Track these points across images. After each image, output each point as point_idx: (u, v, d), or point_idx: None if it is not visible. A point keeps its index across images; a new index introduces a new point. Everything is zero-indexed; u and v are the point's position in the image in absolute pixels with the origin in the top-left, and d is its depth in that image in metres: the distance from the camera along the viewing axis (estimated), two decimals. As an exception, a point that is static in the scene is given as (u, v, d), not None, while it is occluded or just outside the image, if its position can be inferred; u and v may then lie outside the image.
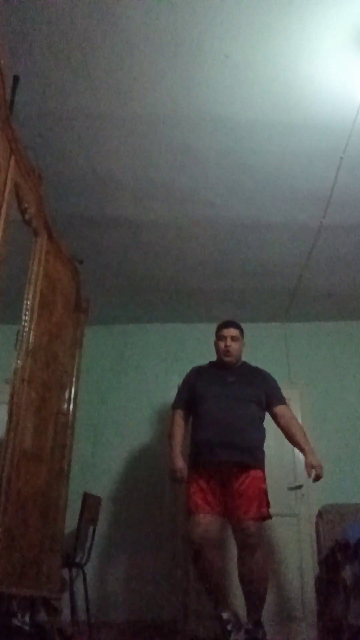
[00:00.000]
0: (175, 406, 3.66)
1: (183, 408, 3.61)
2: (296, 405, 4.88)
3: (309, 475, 3.36)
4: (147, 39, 2.56)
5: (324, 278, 4.49)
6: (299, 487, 4.55)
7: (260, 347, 5.10)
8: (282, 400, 3.61)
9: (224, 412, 3.36)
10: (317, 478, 3.36)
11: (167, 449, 3.59)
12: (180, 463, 3.38)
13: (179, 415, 3.60)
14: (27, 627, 3.38)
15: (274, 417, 3.58)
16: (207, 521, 3.21)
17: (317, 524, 4.43)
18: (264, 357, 5.08)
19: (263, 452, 3.42)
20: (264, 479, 3.36)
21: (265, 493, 3.32)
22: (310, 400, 4.89)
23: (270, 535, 4.42)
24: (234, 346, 3.57)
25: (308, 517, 4.50)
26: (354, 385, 4.93)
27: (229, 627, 3.07)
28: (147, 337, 5.18)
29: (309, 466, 3.34)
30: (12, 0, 2.38)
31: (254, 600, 3.22)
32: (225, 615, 3.11)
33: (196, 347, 4.69)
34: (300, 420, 4.80)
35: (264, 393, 3.55)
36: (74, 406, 3.44)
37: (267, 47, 2.59)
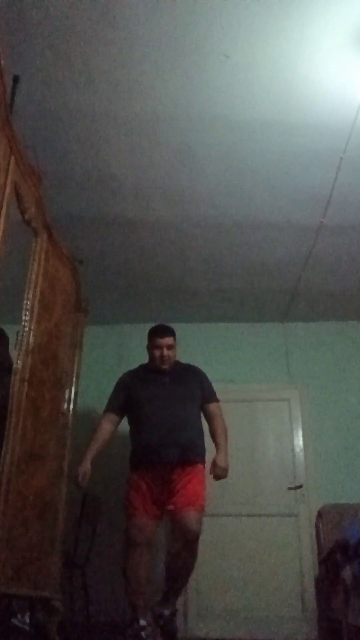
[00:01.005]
0: (106, 410, 3.68)
1: (114, 412, 3.64)
2: (296, 405, 4.90)
3: (211, 472, 3.43)
4: (147, 39, 2.56)
5: (324, 278, 4.49)
6: (299, 487, 4.56)
7: (260, 347, 5.11)
8: (214, 398, 3.67)
9: (163, 414, 3.42)
10: (217, 478, 3.44)
11: None
12: (85, 467, 3.41)
13: (107, 419, 3.63)
14: (26, 627, 3.39)
15: (205, 414, 3.64)
16: (143, 524, 3.30)
17: (317, 524, 4.43)
18: (264, 357, 5.10)
19: (204, 448, 3.49)
20: (203, 473, 3.43)
21: (204, 487, 3.40)
22: (310, 400, 4.89)
23: (270, 535, 4.43)
24: (170, 354, 3.61)
25: (308, 517, 4.50)
26: (354, 385, 4.93)
27: (143, 634, 3.10)
28: (146, 337, 5.17)
29: (215, 463, 3.42)
30: (12, 0, 2.38)
31: (177, 590, 3.38)
32: (142, 622, 3.13)
33: (196, 346, 4.69)
34: (300, 420, 4.85)
35: (199, 390, 3.62)
36: (74, 406, 3.44)
37: (267, 48, 2.59)
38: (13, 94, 2.49)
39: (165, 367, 3.62)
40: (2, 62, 2.18)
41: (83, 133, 3.09)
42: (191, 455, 3.38)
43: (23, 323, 2.75)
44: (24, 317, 2.76)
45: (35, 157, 2.70)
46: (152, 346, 3.66)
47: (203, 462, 3.46)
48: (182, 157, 3.27)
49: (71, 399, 3.42)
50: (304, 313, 5.05)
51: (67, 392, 3.37)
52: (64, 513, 3.19)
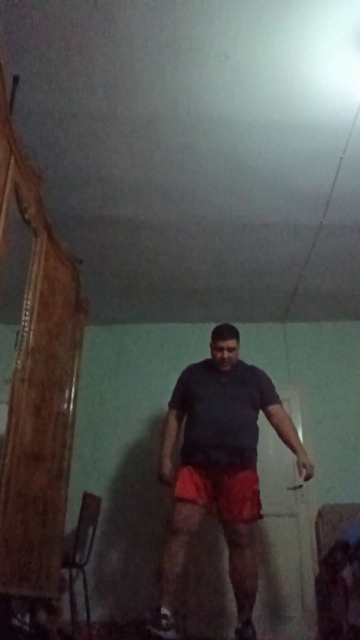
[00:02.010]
0: (170, 406, 3.71)
1: (177, 408, 3.65)
2: (296, 405, 4.89)
3: (300, 474, 3.41)
4: (147, 39, 2.56)
5: (324, 278, 4.49)
6: (299, 487, 4.55)
7: (260, 347, 5.10)
8: (276, 399, 3.62)
9: (218, 413, 3.38)
10: (308, 477, 3.43)
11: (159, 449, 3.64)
12: (166, 468, 3.46)
13: (172, 415, 3.64)
14: (27, 627, 3.39)
15: (268, 415, 3.60)
16: (189, 512, 3.25)
17: (317, 524, 4.43)
18: (264, 357, 5.08)
19: (255, 453, 3.46)
20: (256, 480, 3.41)
21: (257, 493, 3.37)
22: (309, 400, 4.89)
23: (270, 535, 4.43)
24: (231, 356, 3.56)
25: (308, 517, 4.50)
26: (354, 385, 4.92)
27: (163, 622, 3.05)
28: (146, 337, 5.18)
29: (301, 465, 3.40)
30: (12, 0, 2.38)
31: (244, 599, 3.29)
32: (164, 611, 3.08)
33: (196, 347, 4.67)
34: (300, 420, 4.84)
35: (258, 392, 3.56)
36: (73, 406, 3.44)
37: (267, 48, 2.59)
38: (13, 94, 2.49)
39: (226, 368, 3.57)
40: (2, 62, 2.18)
41: (83, 133, 3.09)
42: (240, 459, 3.33)
43: (23, 323, 2.76)
44: (23, 317, 2.76)
45: (35, 157, 2.70)
46: (213, 347, 3.60)
47: (254, 467, 3.42)
48: (182, 157, 3.27)
49: (71, 399, 3.42)
50: (304, 313, 5.05)
51: (66, 392, 3.38)
52: (64, 513, 3.20)
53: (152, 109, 2.93)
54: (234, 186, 3.49)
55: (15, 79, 2.53)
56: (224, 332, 3.59)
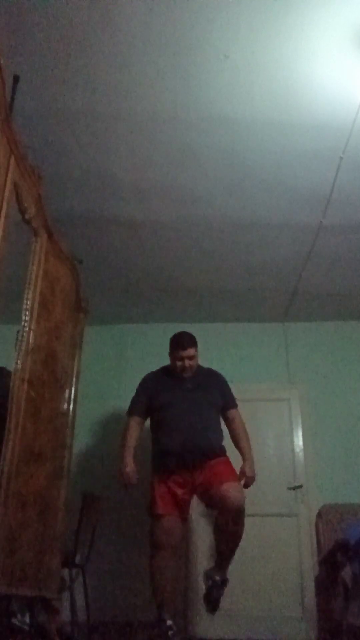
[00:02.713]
0: (130, 413, 3.71)
1: (139, 415, 3.68)
2: (295, 405, 4.90)
3: (240, 480, 3.45)
4: (146, 38, 2.56)
5: (324, 278, 4.50)
6: (299, 487, 4.56)
7: (260, 346, 5.11)
8: (234, 405, 3.73)
9: (184, 420, 3.45)
10: (246, 486, 3.48)
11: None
12: (129, 467, 3.47)
13: (134, 422, 3.67)
14: (26, 627, 3.39)
15: (226, 419, 3.70)
16: (170, 525, 3.32)
17: (316, 524, 4.43)
18: (264, 356, 5.10)
19: (224, 448, 3.53)
20: (227, 460, 3.47)
21: (234, 470, 3.43)
22: (309, 400, 4.89)
23: (270, 535, 4.43)
24: (191, 364, 3.63)
25: (308, 517, 4.50)
26: (354, 385, 4.93)
27: (170, 634, 3.14)
28: (146, 337, 5.18)
29: (243, 473, 3.47)
30: (12, 0, 2.38)
31: (226, 558, 3.39)
32: (168, 622, 3.17)
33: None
34: (300, 420, 4.85)
35: (220, 397, 3.67)
36: (73, 406, 3.44)
37: (266, 47, 2.59)
38: (13, 93, 2.48)
39: (187, 375, 3.65)
40: (2, 61, 2.18)
41: (83, 133, 3.09)
42: (213, 454, 3.41)
43: (23, 323, 2.75)
44: (23, 317, 2.76)
45: (35, 157, 2.70)
46: (173, 357, 3.67)
47: (225, 455, 3.49)
48: (182, 157, 3.27)
49: (71, 399, 3.42)
50: (304, 313, 5.05)
51: (67, 392, 3.37)
52: (63, 513, 3.19)
53: (151, 109, 2.93)
54: (234, 186, 3.49)
55: (16, 79, 2.52)
56: (183, 342, 3.65)
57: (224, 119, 2.99)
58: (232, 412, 3.69)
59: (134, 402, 3.74)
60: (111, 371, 5.05)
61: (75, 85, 2.79)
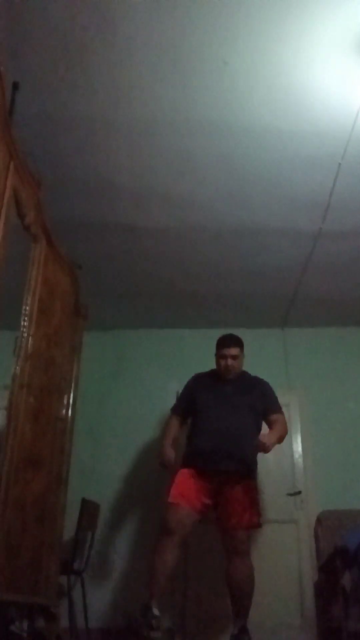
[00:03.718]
0: (173, 410, 3.79)
1: (180, 414, 3.73)
2: (295, 410, 4.88)
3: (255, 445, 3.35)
4: (146, 44, 2.57)
5: (323, 284, 4.50)
6: (298, 493, 4.54)
7: (259, 352, 5.09)
8: (277, 408, 3.70)
9: (222, 422, 3.43)
10: (256, 449, 3.36)
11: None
12: (169, 452, 3.51)
13: (175, 419, 3.73)
14: (25, 634, 3.36)
15: (268, 423, 3.66)
16: (184, 514, 3.27)
17: (316, 530, 4.41)
18: (263, 362, 5.08)
19: (256, 463, 3.52)
20: (256, 490, 3.49)
21: (257, 503, 3.45)
22: (308, 406, 4.88)
23: (269, 541, 4.41)
24: (234, 364, 3.64)
25: (307, 523, 4.49)
26: (353, 391, 4.92)
27: (153, 622, 3.05)
28: (146, 343, 5.17)
29: (260, 441, 3.32)
30: (11, 6, 2.39)
31: (241, 606, 3.35)
32: (155, 611, 3.08)
33: (195, 352, 4.68)
34: (299, 425, 4.83)
35: (261, 402, 3.64)
36: (72, 412, 3.44)
37: (265, 54, 2.60)
38: (13, 100, 2.50)
39: (230, 376, 3.65)
40: (2, 68, 2.19)
41: (82, 139, 3.10)
42: (242, 469, 3.38)
43: (22, 328, 2.75)
44: (22, 323, 2.76)
45: (35, 162, 2.71)
46: (218, 356, 3.69)
47: (254, 477, 3.50)
48: (181, 163, 3.27)
49: (70, 405, 3.42)
50: (303, 319, 5.05)
51: (65, 397, 3.37)
52: (62, 519, 3.18)
53: (151, 115, 2.94)
54: (233, 192, 3.49)
55: (15, 85, 2.54)
56: (227, 340, 3.69)
57: (223, 125, 3.00)
58: (274, 416, 3.63)
59: (177, 400, 3.82)
60: (110, 377, 5.04)
61: (74, 91, 2.80)
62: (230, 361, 3.62)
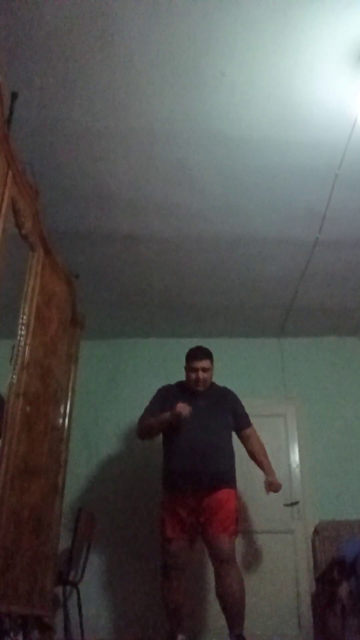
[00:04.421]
0: (146, 415, 3.71)
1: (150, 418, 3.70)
2: (292, 420, 4.88)
3: (267, 492, 3.66)
4: (144, 56, 2.58)
5: (320, 293, 4.51)
6: (295, 503, 4.53)
7: (256, 362, 5.10)
8: (249, 423, 3.79)
9: (198, 441, 3.46)
10: (275, 491, 3.68)
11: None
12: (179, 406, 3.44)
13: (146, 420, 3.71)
14: (19, 646, 3.33)
15: (242, 439, 3.77)
16: (179, 549, 3.40)
17: (313, 540, 4.40)
18: (260, 372, 5.09)
19: (234, 472, 3.57)
20: (235, 497, 3.52)
21: (236, 511, 3.49)
22: (305, 415, 4.88)
23: (266, 552, 4.39)
24: (205, 376, 3.67)
25: (304, 533, 4.47)
26: (350, 401, 4.92)
27: None
28: (142, 352, 5.17)
29: (269, 484, 3.64)
30: (9, 16, 2.41)
31: (234, 615, 3.31)
32: (180, 637, 3.29)
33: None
34: (296, 436, 4.83)
35: (232, 416, 3.71)
36: (68, 421, 3.43)
37: (263, 65, 2.62)
38: (11, 109, 2.51)
39: (200, 389, 3.67)
40: (1, 78, 2.20)
41: (80, 148, 3.11)
42: (221, 483, 3.44)
43: (19, 337, 2.75)
44: (19, 332, 2.76)
45: (33, 172, 2.72)
46: (188, 368, 3.71)
47: (233, 486, 3.54)
48: (179, 173, 3.29)
49: (66, 414, 3.41)
50: (300, 328, 5.06)
51: (62, 406, 3.37)
52: (57, 529, 3.17)
53: (149, 125, 2.96)
54: (230, 202, 3.51)
55: (14, 95, 2.55)
56: (198, 354, 3.71)
57: (220, 135, 3.02)
58: (246, 432, 3.75)
59: (149, 406, 3.75)
60: (106, 386, 5.03)
61: (73, 101, 2.82)
62: (201, 374, 3.64)
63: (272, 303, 4.67)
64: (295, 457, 4.75)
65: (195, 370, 3.65)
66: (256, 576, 4.33)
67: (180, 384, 3.79)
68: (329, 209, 3.51)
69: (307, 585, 4.31)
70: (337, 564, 3.58)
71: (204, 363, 3.67)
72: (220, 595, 3.37)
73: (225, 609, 3.35)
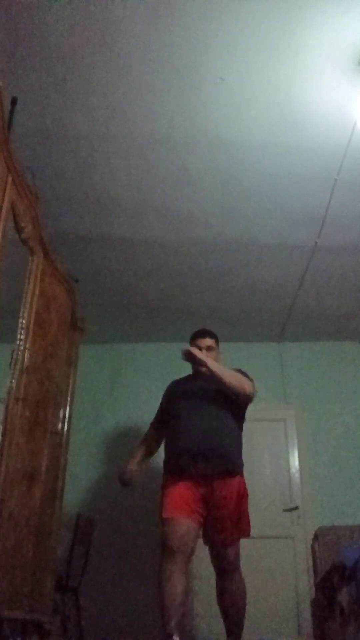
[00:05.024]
0: (151, 424, 3.56)
1: (153, 426, 3.52)
2: (292, 425, 4.88)
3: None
4: (143, 61, 2.60)
5: (319, 298, 4.51)
6: (295, 508, 4.52)
7: (256, 366, 5.08)
8: (244, 374, 3.47)
9: (196, 419, 3.20)
10: (187, 353, 3.30)
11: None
12: (131, 466, 3.30)
13: (151, 429, 3.52)
14: (18, 652, 3.32)
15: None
16: (184, 529, 2.98)
17: (313, 546, 4.38)
18: (259, 376, 5.06)
19: (240, 457, 3.26)
20: (245, 490, 3.23)
21: (245, 511, 3.22)
22: (305, 420, 4.87)
23: (266, 558, 4.38)
24: (210, 356, 3.37)
25: (304, 539, 4.46)
26: (349, 405, 4.92)
27: None
28: (142, 356, 5.17)
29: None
30: (9, 21, 2.42)
31: (234, 624, 3.14)
32: (176, 639, 2.80)
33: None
34: (295, 440, 4.82)
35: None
36: (68, 425, 3.42)
37: (262, 71, 2.63)
38: (11, 115, 2.52)
39: (205, 369, 3.31)
40: (1, 83, 2.20)
41: (80, 153, 3.12)
42: (227, 465, 3.13)
43: (18, 342, 2.75)
44: (19, 336, 2.75)
45: (33, 176, 2.72)
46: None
47: (241, 473, 3.23)
48: (178, 178, 3.30)
49: (65, 418, 3.40)
50: (300, 333, 5.06)
51: (61, 411, 3.36)
52: (57, 534, 3.15)
53: (148, 131, 2.97)
54: (229, 207, 3.51)
55: (14, 100, 2.56)
56: (201, 332, 3.49)
57: (220, 140, 3.02)
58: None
59: (156, 413, 3.57)
60: (106, 390, 5.03)
61: (72, 106, 2.83)
62: (205, 353, 3.36)
63: (271, 308, 4.67)
64: (295, 462, 4.74)
65: (199, 349, 3.37)
66: (256, 581, 4.31)
67: (187, 376, 3.52)
68: (328, 213, 3.52)
69: (306, 591, 4.30)
70: (336, 570, 3.56)
71: (208, 341, 3.43)
72: (221, 602, 3.19)
73: (226, 617, 3.18)
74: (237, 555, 3.21)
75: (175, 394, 3.46)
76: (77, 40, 2.50)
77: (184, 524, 3.01)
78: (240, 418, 3.41)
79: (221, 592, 3.20)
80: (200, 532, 3.16)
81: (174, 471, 3.17)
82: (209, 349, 3.43)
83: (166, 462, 3.29)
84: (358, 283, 4.30)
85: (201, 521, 3.11)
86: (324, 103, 2.78)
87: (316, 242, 3.80)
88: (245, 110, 2.85)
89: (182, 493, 3.09)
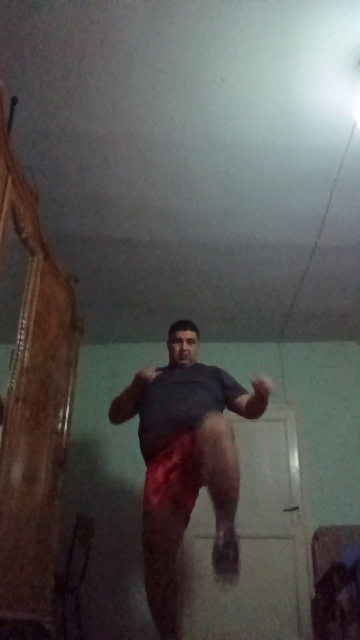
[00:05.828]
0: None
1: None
2: (291, 425, 4.88)
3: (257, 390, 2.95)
4: (143, 62, 2.59)
5: (319, 298, 4.51)
6: (295, 508, 4.52)
7: (255, 366, 5.09)
8: (242, 391, 3.18)
9: (169, 398, 2.99)
10: (264, 392, 2.95)
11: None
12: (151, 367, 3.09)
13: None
14: (18, 652, 3.32)
15: (236, 407, 3.13)
16: (160, 521, 2.70)
17: (313, 546, 4.38)
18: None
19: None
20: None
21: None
22: (305, 420, 4.87)
23: (266, 558, 4.38)
24: (190, 349, 3.21)
25: (304, 539, 4.46)
26: (349, 405, 4.92)
27: None
28: (142, 356, 5.13)
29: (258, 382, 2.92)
30: (9, 22, 2.42)
31: (228, 501, 2.47)
32: None
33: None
34: (295, 441, 4.82)
35: (219, 386, 3.15)
36: (68, 426, 3.42)
37: (262, 71, 2.63)
38: (11, 114, 2.52)
39: (185, 361, 3.19)
40: (0, 84, 2.20)
41: (80, 154, 3.12)
42: (191, 423, 2.68)
43: (18, 342, 2.75)
44: (19, 336, 2.75)
45: (33, 177, 2.72)
46: (171, 340, 3.28)
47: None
48: (178, 179, 3.30)
49: (65, 418, 3.40)
50: (299, 333, 5.06)
51: (61, 411, 3.36)
52: (57, 535, 3.15)
53: (148, 131, 2.97)
54: (229, 207, 3.51)
55: (14, 101, 2.56)
56: (182, 324, 3.31)
57: (220, 141, 3.02)
58: (241, 398, 3.11)
59: None
60: (106, 390, 5.01)
61: (72, 107, 2.83)
62: (185, 345, 3.18)
63: (271, 308, 4.67)
64: (294, 462, 4.74)
65: (180, 341, 3.20)
66: (255, 582, 4.31)
67: (166, 368, 3.30)
68: (328, 214, 3.52)
69: (306, 591, 4.30)
70: (336, 570, 3.57)
71: (189, 334, 3.22)
72: (212, 476, 2.48)
73: (218, 493, 2.47)
74: (221, 423, 2.60)
75: (153, 382, 3.16)
76: (77, 40, 2.50)
77: (164, 515, 2.73)
78: (219, 402, 3.12)
79: (212, 464, 2.50)
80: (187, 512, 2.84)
81: (149, 449, 2.97)
82: (189, 341, 3.23)
83: (141, 446, 3.08)
84: (358, 283, 4.30)
85: (184, 511, 2.82)
86: (324, 103, 2.78)
87: (316, 242, 3.80)
88: (246, 111, 2.85)
89: (157, 477, 2.85)
